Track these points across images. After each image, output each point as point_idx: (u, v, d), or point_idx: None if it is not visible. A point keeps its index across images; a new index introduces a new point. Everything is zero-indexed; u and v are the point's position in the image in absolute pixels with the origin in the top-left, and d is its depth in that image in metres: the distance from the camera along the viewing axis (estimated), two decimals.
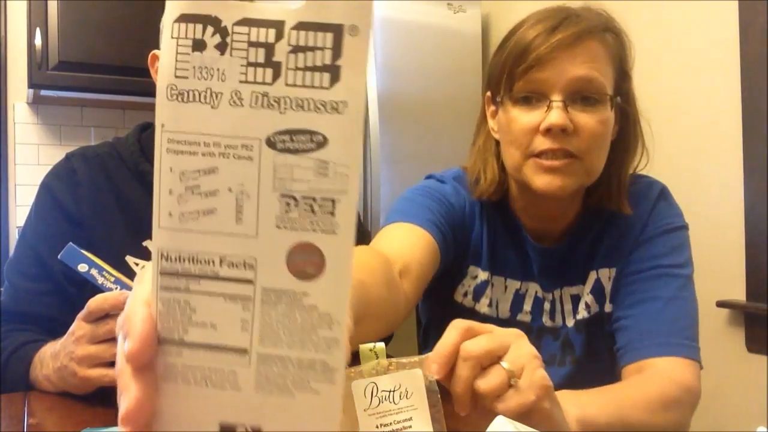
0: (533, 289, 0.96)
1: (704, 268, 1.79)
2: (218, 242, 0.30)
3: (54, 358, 0.82)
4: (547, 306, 0.96)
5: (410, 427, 0.51)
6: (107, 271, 0.79)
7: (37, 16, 2.25)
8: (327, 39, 0.28)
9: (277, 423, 0.30)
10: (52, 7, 2.26)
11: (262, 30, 0.29)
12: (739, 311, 1.76)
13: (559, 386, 0.94)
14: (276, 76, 0.29)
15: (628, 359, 0.85)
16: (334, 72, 0.28)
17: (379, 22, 2.31)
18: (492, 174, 0.93)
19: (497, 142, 0.93)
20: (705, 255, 1.78)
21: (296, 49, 0.28)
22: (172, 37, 0.29)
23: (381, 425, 0.51)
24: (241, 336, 0.30)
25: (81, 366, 0.78)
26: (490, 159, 0.94)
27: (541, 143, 0.82)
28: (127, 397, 0.29)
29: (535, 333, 0.97)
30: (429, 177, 1.02)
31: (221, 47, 0.29)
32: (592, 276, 0.95)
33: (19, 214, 2.49)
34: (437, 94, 2.41)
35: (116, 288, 0.79)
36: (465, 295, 0.98)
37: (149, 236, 1.13)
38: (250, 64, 0.29)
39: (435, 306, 1.05)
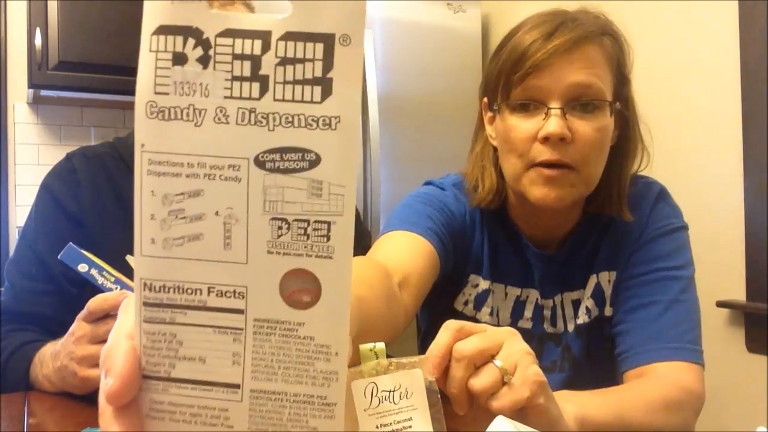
0: (533, 296, 0.96)
1: (704, 268, 1.79)
2: (205, 270, 0.28)
3: (54, 358, 0.82)
4: (547, 313, 0.96)
5: (410, 427, 0.51)
6: (107, 271, 0.79)
7: (37, 16, 2.25)
8: (317, 50, 0.26)
9: None
10: (52, 7, 2.26)
11: (248, 41, 0.26)
12: (739, 311, 1.76)
13: (558, 390, 0.94)
14: (263, 90, 0.27)
15: (629, 364, 0.84)
16: (325, 85, 0.26)
17: (379, 22, 2.31)
18: (490, 182, 0.92)
19: (495, 149, 0.92)
20: (705, 255, 1.78)
21: (284, 62, 0.26)
22: (150, 51, 0.27)
23: (381, 425, 0.51)
24: (232, 370, 0.28)
25: (81, 366, 0.78)
26: (488, 166, 0.93)
27: (540, 153, 0.81)
28: None
29: (537, 340, 0.96)
30: (428, 183, 1.00)
31: (204, 60, 0.27)
32: (593, 280, 0.94)
33: (19, 214, 2.49)
34: (437, 94, 2.41)
35: (116, 288, 0.79)
36: (465, 303, 0.97)
37: None
38: (235, 78, 0.27)
39: (435, 314, 1.04)
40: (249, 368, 0.28)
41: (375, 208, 2.23)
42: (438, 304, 0.97)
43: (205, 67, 0.27)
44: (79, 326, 0.78)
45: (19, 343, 0.91)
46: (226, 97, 0.27)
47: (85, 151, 1.10)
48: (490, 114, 0.92)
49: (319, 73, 0.26)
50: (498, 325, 0.94)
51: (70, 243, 0.80)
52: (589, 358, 0.96)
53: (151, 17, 0.27)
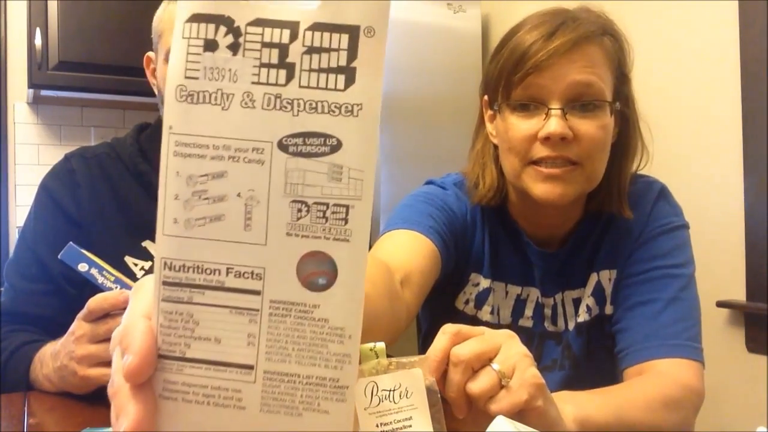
0: (534, 294, 0.96)
1: (704, 268, 1.78)
2: (225, 251, 0.28)
3: (54, 358, 0.82)
4: (548, 311, 0.96)
5: (410, 426, 0.51)
6: (107, 271, 0.79)
7: (37, 16, 2.25)
8: (342, 40, 0.27)
9: None
10: (52, 7, 2.26)
11: (276, 30, 0.28)
12: (739, 311, 1.76)
13: (558, 388, 0.94)
14: (289, 77, 0.28)
15: (629, 362, 0.84)
16: (349, 74, 0.27)
17: None
18: (491, 179, 0.92)
19: (496, 146, 0.92)
20: (705, 255, 1.78)
21: (311, 50, 0.27)
22: (183, 37, 0.28)
23: (381, 424, 0.51)
24: (246, 351, 0.28)
25: (81, 365, 0.78)
26: (489, 164, 0.93)
27: (540, 151, 0.82)
28: (127, 418, 0.27)
29: (538, 338, 0.96)
30: (429, 182, 1.00)
31: (233, 47, 0.28)
32: (593, 278, 0.94)
33: (19, 214, 2.49)
34: (437, 94, 2.41)
35: (116, 287, 0.79)
36: (466, 302, 0.97)
37: (148, 237, 1.14)
38: (263, 65, 0.28)
39: (436, 313, 1.04)
40: (263, 349, 0.28)
41: (375, 208, 2.22)
42: (439, 303, 0.97)
43: (235, 53, 0.28)
44: (78, 326, 0.78)
45: (18, 343, 0.91)
46: (253, 83, 0.28)
47: (84, 152, 1.10)
48: (490, 112, 0.92)
49: (343, 63, 0.27)
50: (499, 323, 0.95)
51: (71, 242, 0.80)
52: (590, 357, 0.96)
53: (186, 6, 0.28)
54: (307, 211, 0.27)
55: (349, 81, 0.27)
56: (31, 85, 2.28)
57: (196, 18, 0.28)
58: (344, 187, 0.27)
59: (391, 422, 0.51)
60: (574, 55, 0.80)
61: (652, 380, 0.79)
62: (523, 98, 0.83)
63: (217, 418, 0.28)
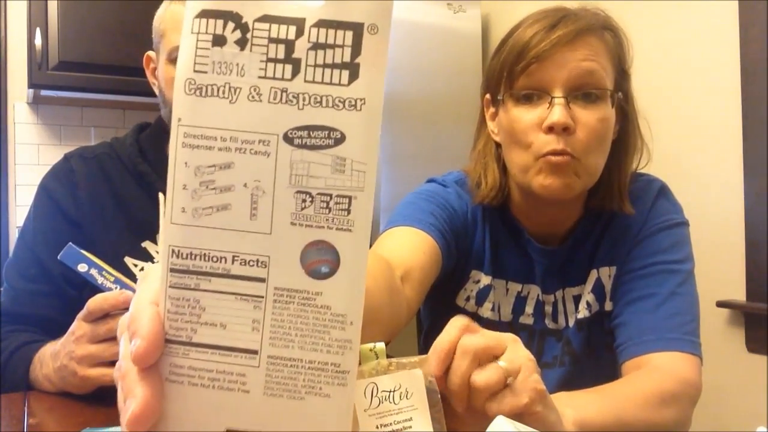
0: (534, 291, 0.96)
1: (704, 268, 1.79)
2: (231, 239, 0.29)
3: (54, 358, 0.82)
4: (548, 309, 0.96)
5: (410, 427, 0.51)
6: (107, 271, 0.79)
7: (37, 16, 2.25)
8: (347, 37, 0.28)
9: (285, 428, 0.29)
10: (52, 7, 2.26)
11: (283, 27, 0.28)
12: (739, 311, 1.76)
13: (558, 385, 0.94)
14: (295, 72, 0.28)
15: (626, 355, 0.85)
16: (353, 69, 0.28)
17: None
18: (493, 178, 0.92)
19: (497, 145, 0.93)
20: (705, 255, 1.78)
21: (316, 46, 0.28)
22: (192, 33, 0.29)
23: (381, 425, 0.51)
24: (251, 336, 0.29)
25: (81, 365, 0.78)
26: (491, 163, 0.93)
27: (546, 143, 0.82)
28: (135, 400, 0.28)
29: (538, 335, 0.96)
30: (431, 180, 1.01)
31: (241, 43, 0.29)
32: (593, 275, 0.95)
33: (19, 214, 2.49)
34: (437, 94, 2.40)
35: (116, 288, 0.79)
36: (467, 299, 0.98)
37: (148, 237, 1.14)
38: (269, 60, 0.29)
39: (437, 311, 1.05)
40: (267, 335, 0.29)
41: (375, 208, 2.22)
42: (440, 300, 0.98)
43: (242, 48, 0.29)
44: (78, 326, 0.78)
45: (18, 343, 0.91)
46: (260, 77, 0.29)
47: (83, 152, 1.10)
48: (492, 110, 0.93)
49: (347, 59, 0.28)
50: (499, 320, 0.96)
51: (70, 243, 0.80)
52: (590, 353, 0.96)
53: (195, 3, 0.29)
54: (311, 201, 0.28)
55: (353, 76, 0.28)
56: (31, 85, 2.28)
57: (205, 14, 0.29)
58: (347, 179, 0.28)
59: (391, 423, 0.51)
60: (576, 44, 0.81)
61: (650, 375, 0.79)
62: (526, 88, 0.83)
63: (222, 402, 0.29)
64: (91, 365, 0.78)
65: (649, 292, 0.88)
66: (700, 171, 1.85)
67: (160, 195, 1.03)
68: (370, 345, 0.53)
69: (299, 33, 0.28)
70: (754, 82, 1.72)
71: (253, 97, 0.29)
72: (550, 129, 0.81)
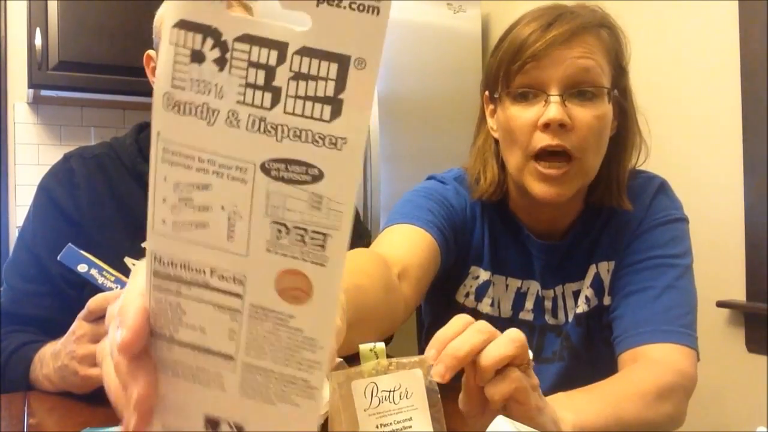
0: (534, 287, 0.97)
1: (704, 268, 1.78)
2: (209, 255, 0.29)
3: (54, 358, 0.82)
4: (548, 304, 0.97)
5: (410, 427, 0.51)
6: (107, 271, 0.79)
7: (37, 16, 2.25)
8: (331, 69, 0.26)
9: (258, 425, 0.30)
10: (52, 7, 2.26)
11: (264, 50, 0.26)
12: (739, 311, 1.76)
13: (558, 379, 0.95)
14: (275, 101, 0.27)
15: (622, 347, 0.85)
16: (335, 105, 0.26)
17: None
18: (491, 174, 0.93)
19: (497, 142, 0.93)
20: (705, 255, 1.78)
21: (298, 76, 0.26)
22: (170, 43, 0.27)
23: (381, 425, 0.51)
24: (228, 344, 0.30)
25: (83, 365, 0.78)
26: (490, 159, 0.94)
27: (540, 140, 0.82)
28: (137, 385, 0.30)
29: (538, 331, 0.97)
30: (430, 178, 1.02)
31: (220, 63, 0.27)
32: (592, 270, 0.95)
33: (19, 214, 2.49)
34: (437, 94, 2.40)
35: (117, 287, 0.79)
36: (467, 295, 0.98)
37: None
38: (248, 85, 0.27)
39: (437, 307, 1.05)
40: (243, 345, 0.30)
41: (375, 208, 2.23)
42: (440, 297, 0.99)
43: (221, 69, 0.27)
44: (79, 325, 0.78)
45: (18, 343, 0.91)
46: (238, 102, 0.27)
47: (83, 152, 1.10)
48: (491, 107, 0.93)
49: (330, 93, 0.26)
50: (499, 316, 0.97)
51: (70, 244, 0.80)
52: (588, 347, 0.96)
53: (173, 9, 0.27)
54: (287, 232, 0.28)
55: (335, 113, 0.26)
56: (31, 85, 2.28)
57: (184, 24, 0.27)
58: (323, 217, 0.27)
59: (391, 423, 0.51)
60: (572, 43, 0.82)
61: (646, 369, 0.79)
62: (523, 87, 0.84)
63: (202, 395, 0.31)
64: (93, 365, 0.78)
65: (645, 285, 0.88)
66: (700, 171, 1.85)
67: None
68: (370, 345, 0.53)
69: (281, 59, 0.26)
70: (754, 82, 1.72)
71: (231, 122, 0.27)
72: (546, 126, 0.82)
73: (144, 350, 0.31)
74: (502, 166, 0.93)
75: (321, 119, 0.26)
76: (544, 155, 0.83)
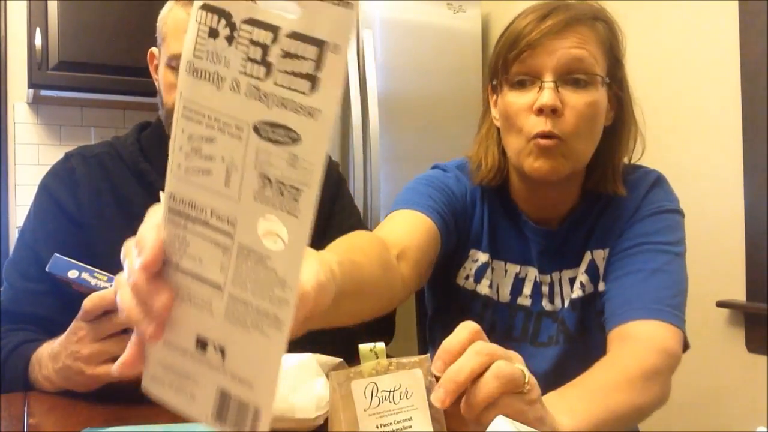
0: (532, 273, 0.99)
1: (704, 268, 1.79)
2: (210, 197, 0.35)
3: (54, 360, 0.82)
4: (545, 289, 0.99)
5: (410, 427, 0.51)
6: (98, 272, 0.79)
7: (37, 16, 2.25)
8: (312, 52, 0.31)
9: (236, 349, 0.36)
10: (52, 7, 2.26)
11: (262, 32, 0.32)
12: (739, 311, 1.76)
13: (554, 362, 0.97)
14: (268, 74, 0.33)
15: (610, 325, 0.87)
16: (314, 82, 0.31)
17: (379, 22, 2.31)
18: (492, 159, 0.97)
19: (499, 130, 0.97)
20: (705, 255, 1.78)
21: (286, 55, 0.32)
22: (195, 21, 0.34)
23: (381, 425, 0.51)
24: (219, 275, 0.36)
25: (89, 364, 0.78)
26: (492, 146, 0.98)
27: (536, 124, 0.86)
28: (159, 296, 0.37)
29: (535, 316, 1.00)
30: (434, 167, 1.06)
31: (229, 39, 0.33)
32: (587, 257, 0.98)
33: (19, 214, 2.49)
34: (437, 93, 2.41)
35: (111, 286, 0.78)
36: (466, 278, 1.01)
37: None
38: (249, 59, 0.33)
39: (439, 293, 1.08)
40: (230, 277, 0.36)
41: (375, 208, 2.23)
42: (441, 282, 1.02)
43: (230, 44, 0.33)
44: (78, 326, 0.78)
45: (17, 342, 0.91)
46: (240, 72, 0.33)
47: (84, 151, 1.09)
48: (494, 96, 0.97)
49: (311, 71, 0.32)
50: (498, 300, 0.99)
51: (56, 254, 0.79)
52: (583, 332, 0.98)
53: None
54: (270, 185, 0.33)
55: (314, 88, 0.32)
56: (31, 85, 2.28)
57: (206, 7, 0.34)
58: (298, 174, 0.33)
59: (391, 423, 0.51)
60: (566, 33, 0.86)
61: (632, 351, 0.81)
62: (519, 74, 0.89)
63: (196, 317, 0.37)
64: (99, 363, 0.78)
65: (635, 267, 0.91)
66: (700, 171, 1.85)
67: (161, 194, 1.03)
68: (370, 345, 0.53)
69: (275, 40, 0.32)
70: (754, 82, 1.72)
71: (233, 88, 0.34)
72: (540, 111, 0.86)
73: (159, 271, 0.37)
74: (503, 152, 0.97)
75: (302, 92, 0.32)
76: (539, 136, 0.87)
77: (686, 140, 1.90)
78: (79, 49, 2.30)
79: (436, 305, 1.12)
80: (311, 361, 0.70)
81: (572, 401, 0.68)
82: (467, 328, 0.56)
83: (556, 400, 0.66)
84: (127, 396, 0.83)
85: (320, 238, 0.58)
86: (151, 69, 1.12)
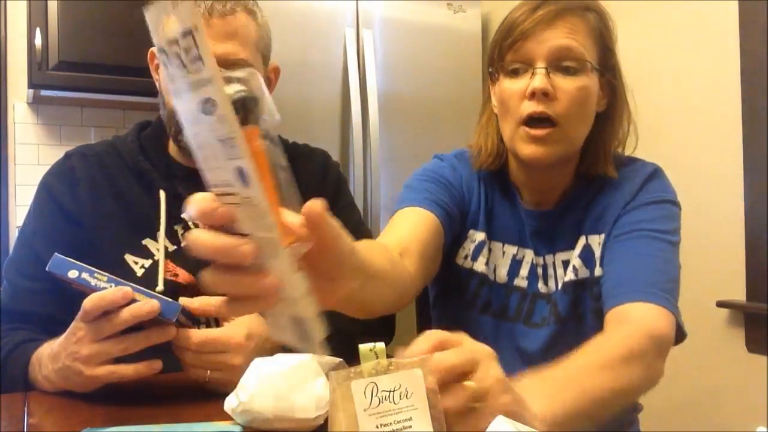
0: (529, 255, 1.02)
1: (704, 268, 1.79)
2: (215, 175, 0.46)
3: (53, 360, 0.82)
4: (540, 271, 1.01)
5: (410, 427, 0.51)
6: (98, 273, 0.79)
7: (37, 16, 2.25)
8: (191, 41, 0.40)
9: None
10: (52, 7, 2.25)
11: (174, 46, 0.41)
12: (739, 311, 1.76)
13: (546, 342, 1.00)
14: (195, 60, 0.41)
15: (606, 307, 0.88)
16: (201, 60, 0.40)
17: (379, 22, 2.31)
18: (492, 145, 1.02)
19: (498, 117, 1.00)
20: (705, 255, 1.78)
21: (187, 48, 0.41)
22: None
23: (381, 425, 0.51)
24: (249, 228, 0.46)
25: (88, 365, 0.78)
26: (491, 132, 1.03)
27: (528, 107, 0.91)
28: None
29: (530, 298, 1.02)
30: (434, 157, 1.13)
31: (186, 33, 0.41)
32: (582, 241, 0.99)
33: (19, 214, 2.49)
34: (437, 94, 2.41)
35: (110, 286, 0.78)
36: (465, 257, 1.04)
37: (148, 235, 1.13)
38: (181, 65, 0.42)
39: (440, 277, 1.08)
40: (243, 221, 0.46)
41: (375, 208, 2.23)
42: (443, 265, 1.03)
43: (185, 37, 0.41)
44: (78, 327, 0.78)
45: (16, 341, 0.91)
46: (182, 78, 0.43)
47: (84, 150, 1.10)
48: (493, 86, 1.01)
49: (197, 54, 0.40)
50: (494, 280, 1.02)
51: (56, 253, 0.79)
52: (575, 315, 0.99)
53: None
54: (221, 143, 0.43)
55: (203, 64, 0.40)
56: (31, 85, 2.28)
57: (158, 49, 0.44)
58: (218, 122, 0.42)
59: (391, 423, 0.51)
60: (556, 23, 0.91)
61: (617, 333, 0.81)
62: (513, 62, 0.94)
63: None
64: (99, 364, 0.78)
65: (630, 252, 0.93)
66: (700, 170, 1.85)
67: (161, 192, 1.03)
68: (370, 345, 0.53)
69: (183, 36, 0.41)
70: (754, 81, 1.72)
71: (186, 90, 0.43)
72: (532, 95, 0.91)
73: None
74: (501, 138, 1.01)
75: (199, 70, 0.41)
76: (531, 122, 0.92)
77: (686, 140, 1.90)
78: (79, 49, 2.30)
79: (436, 292, 1.13)
80: (311, 361, 0.70)
81: (547, 384, 0.67)
82: (428, 339, 0.54)
83: (533, 383, 0.65)
84: (127, 396, 0.83)
85: None
86: (152, 69, 1.12)
